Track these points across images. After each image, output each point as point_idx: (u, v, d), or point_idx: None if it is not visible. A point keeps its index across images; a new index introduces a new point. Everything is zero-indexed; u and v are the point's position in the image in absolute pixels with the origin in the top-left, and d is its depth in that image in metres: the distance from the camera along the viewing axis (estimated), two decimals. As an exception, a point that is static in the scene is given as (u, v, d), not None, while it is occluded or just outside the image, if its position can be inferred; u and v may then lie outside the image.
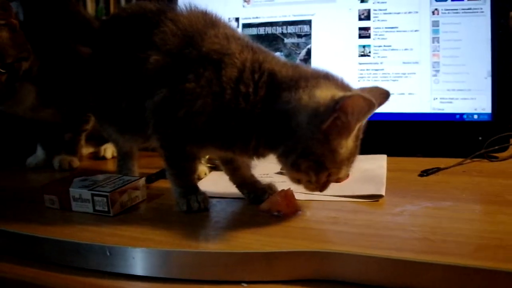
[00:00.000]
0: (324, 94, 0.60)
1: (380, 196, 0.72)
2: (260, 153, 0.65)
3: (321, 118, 0.58)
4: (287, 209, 0.67)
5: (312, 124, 0.59)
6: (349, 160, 0.63)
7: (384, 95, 0.65)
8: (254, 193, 0.72)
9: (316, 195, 0.74)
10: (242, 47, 0.65)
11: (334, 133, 0.59)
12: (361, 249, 0.54)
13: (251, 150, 0.65)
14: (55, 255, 0.62)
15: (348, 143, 0.61)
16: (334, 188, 0.77)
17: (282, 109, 0.61)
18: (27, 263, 0.62)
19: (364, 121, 0.63)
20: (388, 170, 0.87)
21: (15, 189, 0.87)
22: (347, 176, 0.67)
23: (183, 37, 0.67)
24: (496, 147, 0.93)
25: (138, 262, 0.58)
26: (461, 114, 0.98)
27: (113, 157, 1.08)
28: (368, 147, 0.96)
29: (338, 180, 0.68)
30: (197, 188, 0.71)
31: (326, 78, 0.63)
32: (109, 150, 1.08)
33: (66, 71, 0.95)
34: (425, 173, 0.84)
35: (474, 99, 0.97)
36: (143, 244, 0.59)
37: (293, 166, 0.62)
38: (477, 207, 0.68)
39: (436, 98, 0.99)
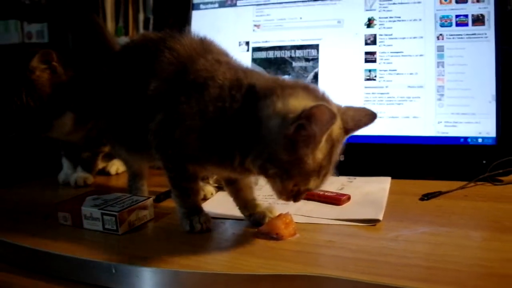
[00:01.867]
0: (297, 103, 0.61)
1: (377, 220, 0.74)
2: (246, 167, 0.66)
3: (287, 124, 0.60)
4: (285, 233, 0.69)
5: (280, 130, 0.61)
6: (319, 172, 0.63)
7: (370, 116, 0.67)
8: (254, 215, 0.75)
9: (315, 218, 0.77)
10: (228, 69, 0.69)
11: (301, 142, 0.60)
12: (353, 274, 0.57)
13: (237, 164, 0.67)
14: (64, 270, 0.66)
15: (316, 155, 0.62)
16: (333, 211, 0.80)
17: (256, 116, 0.63)
18: (36, 277, 0.67)
19: (346, 132, 0.65)
20: (390, 192, 0.89)
21: (32, 204, 0.92)
22: (319, 188, 0.67)
23: (178, 65, 0.72)
24: (500, 171, 0.94)
25: (142, 280, 0.62)
26: (466, 138, 0.99)
27: (116, 174, 1.14)
28: (373, 169, 1.00)
29: (309, 191, 0.68)
30: (200, 209, 0.74)
31: (305, 89, 0.65)
32: (114, 167, 1.14)
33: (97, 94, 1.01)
34: (426, 197, 0.86)
35: (478, 123, 0.98)
36: (147, 263, 0.63)
37: (260, 169, 0.64)
38: (474, 234, 0.69)
39: (441, 122, 1.00)
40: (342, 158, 1.01)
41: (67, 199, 0.81)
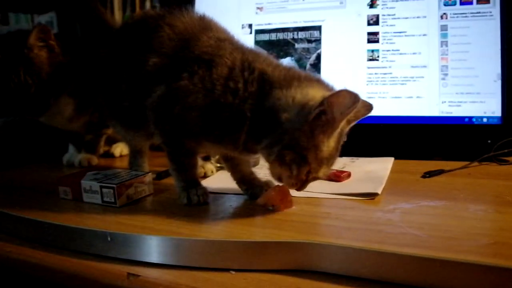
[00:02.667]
0: (316, 93, 0.65)
1: (376, 194, 0.74)
2: (249, 148, 0.68)
3: (309, 111, 0.62)
4: (281, 204, 0.69)
5: (301, 117, 0.63)
6: (329, 160, 0.66)
7: (367, 107, 0.70)
8: (252, 189, 0.75)
9: (313, 193, 0.77)
10: (233, 49, 0.70)
11: (319, 128, 0.63)
12: (345, 241, 0.56)
13: (241, 145, 0.68)
14: (61, 239, 0.67)
15: (330, 142, 0.65)
16: (332, 187, 0.79)
17: (272, 104, 0.65)
18: (37, 247, 0.68)
19: (348, 122, 0.67)
20: (392, 171, 0.88)
21: (36, 182, 0.94)
22: (326, 176, 0.69)
23: (178, 41, 0.72)
24: (506, 150, 0.92)
25: (137, 247, 0.62)
26: (470, 118, 0.98)
27: (120, 156, 1.15)
28: (376, 150, 0.99)
29: (316, 179, 0.69)
30: (197, 182, 0.74)
31: (318, 81, 0.68)
32: (118, 148, 1.16)
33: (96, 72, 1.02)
34: (427, 174, 0.85)
35: (483, 102, 0.97)
36: (142, 231, 0.63)
37: (278, 157, 0.65)
38: (472, 206, 0.68)
39: (445, 102, 0.99)
40: (344, 139, 1.04)
41: (68, 174, 0.83)
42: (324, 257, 0.56)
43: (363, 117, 0.70)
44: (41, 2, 1.62)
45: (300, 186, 0.68)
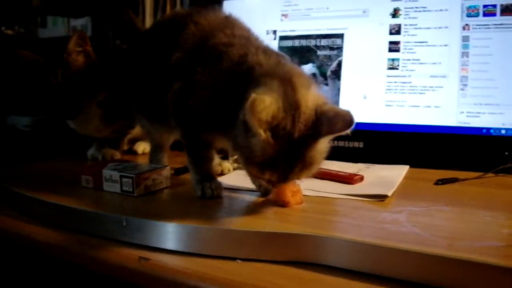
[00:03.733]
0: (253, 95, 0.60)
1: (386, 196, 0.75)
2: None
3: (243, 113, 0.61)
4: (291, 200, 0.71)
5: (239, 118, 0.63)
6: (274, 166, 0.62)
7: (345, 123, 0.62)
8: (264, 185, 0.77)
9: (325, 192, 0.78)
10: (242, 44, 0.71)
11: (250, 132, 0.61)
12: (349, 236, 0.58)
13: (232, 137, 0.68)
14: (81, 223, 0.71)
15: (265, 148, 0.61)
16: (343, 188, 0.81)
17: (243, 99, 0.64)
18: (57, 229, 0.72)
19: (300, 134, 0.62)
20: (406, 178, 0.89)
21: (61, 172, 0.98)
22: (280, 180, 0.65)
23: (200, 37, 0.76)
24: (524, 163, 0.91)
25: (150, 233, 0.65)
26: (488, 129, 0.97)
27: (143, 153, 1.19)
28: (393, 157, 1.00)
29: (278, 183, 0.67)
30: (212, 176, 0.77)
31: (283, 80, 0.64)
32: (141, 146, 1.20)
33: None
34: (440, 181, 0.85)
35: (502, 114, 0.96)
36: (156, 218, 0.66)
37: (234, 149, 0.67)
38: (482, 212, 0.68)
39: (463, 112, 0.99)
40: (361, 145, 1.05)
41: (90, 164, 0.87)
42: (327, 250, 0.58)
43: (340, 132, 0.63)
44: (77, 7, 1.70)
45: (272, 184, 0.67)
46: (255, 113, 0.58)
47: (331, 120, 0.62)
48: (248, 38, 0.75)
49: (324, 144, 0.65)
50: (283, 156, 0.62)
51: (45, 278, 0.79)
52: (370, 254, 0.55)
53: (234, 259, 0.60)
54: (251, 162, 0.64)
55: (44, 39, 1.88)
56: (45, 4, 1.80)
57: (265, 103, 0.59)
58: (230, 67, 0.69)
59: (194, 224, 0.64)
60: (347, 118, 0.63)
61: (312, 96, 0.65)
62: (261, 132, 0.60)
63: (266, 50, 0.72)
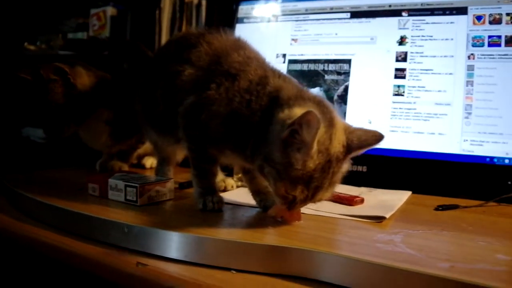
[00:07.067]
0: (299, 111, 0.65)
1: (383, 218, 0.75)
2: (255, 159, 0.71)
3: (284, 129, 0.65)
4: (290, 216, 0.72)
5: (278, 134, 0.66)
6: (308, 183, 0.65)
7: (376, 137, 0.70)
8: (265, 201, 0.79)
9: (324, 212, 0.79)
10: (258, 66, 0.76)
11: (293, 146, 0.64)
12: (342, 252, 0.59)
13: (249, 156, 0.72)
14: (84, 228, 0.73)
15: (307, 163, 0.64)
16: (343, 209, 0.82)
17: (270, 119, 0.68)
18: (61, 233, 0.75)
19: (347, 149, 0.67)
20: (406, 203, 0.90)
21: (70, 181, 1.01)
22: (308, 199, 0.67)
23: (213, 56, 0.79)
24: (526, 193, 0.91)
25: (150, 240, 0.67)
26: (492, 158, 0.98)
27: (151, 168, 1.21)
28: (394, 182, 1.01)
29: (304, 202, 0.68)
30: (215, 190, 0.79)
31: (316, 103, 0.69)
32: (149, 160, 1.23)
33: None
34: (441, 207, 0.86)
35: (506, 143, 0.97)
36: (159, 226, 0.68)
37: (259, 168, 0.69)
38: (479, 238, 0.68)
39: (467, 140, 1.00)
40: (364, 169, 1.06)
41: (98, 174, 0.89)
42: (318, 265, 0.58)
43: (370, 147, 0.69)
44: (96, 47, 1.80)
45: (289, 206, 0.68)
46: (311, 126, 0.62)
47: (360, 137, 0.69)
48: (261, 60, 0.79)
49: (346, 166, 0.70)
50: (319, 172, 0.65)
51: (47, 280, 0.81)
52: (361, 271, 0.56)
53: (228, 269, 0.61)
54: (285, 178, 0.65)
55: (64, 55, 1.95)
56: (67, 46, 1.94)
57: (318, 116, 0.61)
58: (250, 86, 0.72)
59: (193, 233, 0.65)
60: (376, 134, 0.70)
61: (340, 119, 0.71)
62: (315, 144, 0.63)
63: (281, 75, 0.76)
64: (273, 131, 0.67)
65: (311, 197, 0.67)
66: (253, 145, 0.70)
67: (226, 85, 0.74)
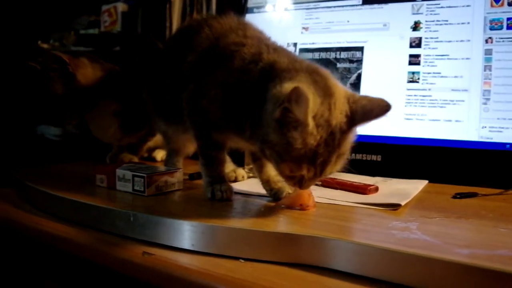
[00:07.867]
0: (290, 86, 0.60)
1: (399, 205, 0.73)
2: (255, 139, 0.67)
3: (275, 108, 0.60)
4: (309, 203, 0.70)
5: (271, 114, 0.61)
6: (313, 160, 0.61)
7: (382, 107, 0.64)
8: (274, 190, 0.77)
9: (337, 200, 0.77)
10: (253, 44, 0.72)
11: (289, 125, 0.60)
12: (354, 239, 0.56)
13: (249, 138, 0.69)
14: (90, 218, 0.72)
15: (307, 139, 0.60)
16: (357, 198, 0.79)
17: (264, 96, 0.64)
18: (70, 225, 0.74)
19: (351, 122, 0.63)
20: (423, 191, 0.86)
21: (78, 173, 1.00)
22: (316, 176, 0.63)
23: (213, 40, 0.77)
24: (549, 181, 0.87)
25: (156, 229, 0.65)
26: (511, 144, 0.94)
27: (162, 160, 1.19)
28: (410, 172, 0.97)
29: (313, 180, 0.65)
30: (223, 179, 0.77)
31: (309, 72, 0.64)
32: (160, 153, 1.21)
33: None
34: (458, 195, 0.82)
35: (526, 129, 0.93)
36: (163, 216, 0.66)
37: (260, 150, 0.66)
38: (499, 224, 0.65)
39: (485, 127, 0.96)
40: (379, 159, 1.03)
41: (105, 164, 0.88)
42: (331, 252, 0.56)
43: (377, 118, 0.63)
44: (108, 41, 1.81)
45: (299, 185, 0.65)
46: (300, 103, 0.57)
47: (365, 107, 0.63)
48: (259, 38, 0.76)
49: (352, 135, 0.65)
50: (322, 147, 0.61)
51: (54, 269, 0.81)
52: (375, 258, 0.53)
53: (237, 258, 0.60)
54: (286, 159, 0.62)
55: (77, 51, 1.96)
56: (79, 42, 1.93)
57: (306, 92, 0.57)
58: (243, 65, 0.70)
59: (202, 222, 0.63)
60: (382, 103, 0.63)
61: (341, 86, 0.65)
62: (310, 121, 0.59)
63: (277, 48, 0.72)
64: (266, 110, 0.63)
65: (320, 173, 0.63)
66: (250, 126, 0.67)
67: (222, 67, 0.72)
